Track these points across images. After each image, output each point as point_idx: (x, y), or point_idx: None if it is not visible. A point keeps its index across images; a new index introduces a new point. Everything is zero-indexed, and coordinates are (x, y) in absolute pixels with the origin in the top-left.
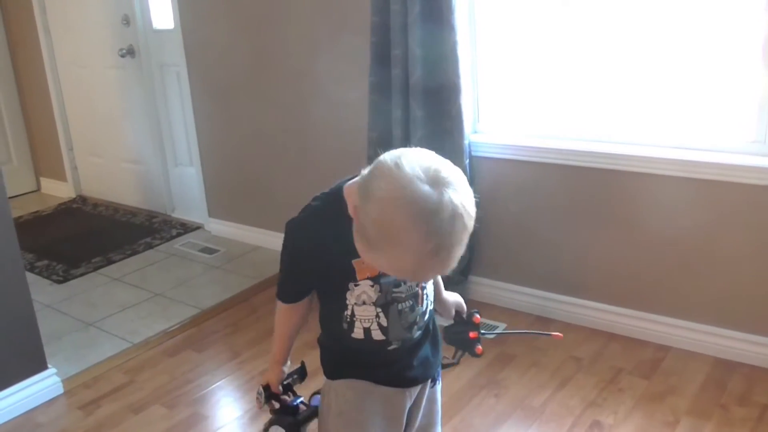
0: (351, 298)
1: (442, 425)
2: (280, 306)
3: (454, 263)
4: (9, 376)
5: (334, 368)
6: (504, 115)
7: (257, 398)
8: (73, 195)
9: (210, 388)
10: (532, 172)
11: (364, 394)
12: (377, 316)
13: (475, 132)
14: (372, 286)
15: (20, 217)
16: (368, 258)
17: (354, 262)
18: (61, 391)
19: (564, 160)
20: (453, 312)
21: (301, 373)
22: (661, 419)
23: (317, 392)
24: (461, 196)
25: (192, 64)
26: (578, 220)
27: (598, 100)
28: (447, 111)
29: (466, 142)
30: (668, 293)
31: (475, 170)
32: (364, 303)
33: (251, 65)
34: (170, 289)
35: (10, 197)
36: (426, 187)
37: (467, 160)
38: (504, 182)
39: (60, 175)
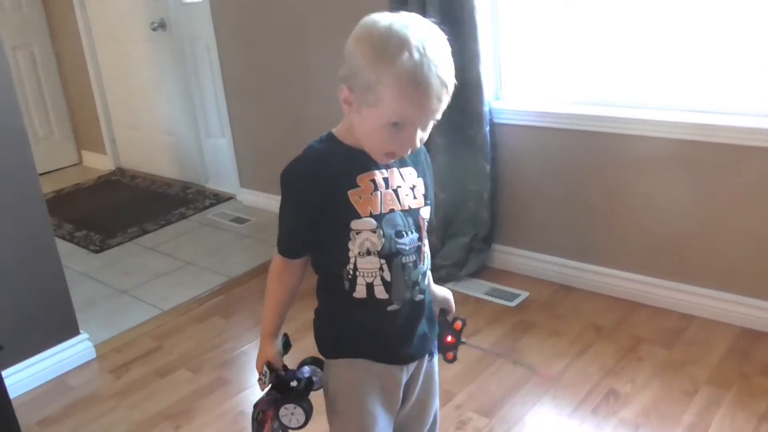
0: (354, 248)
1: (458, 392)
2: (275, 267)
3: (438, 81)
4: (43, 340)
5: (331, 345)
6: (527, 81)
7: (260, 380)
8: (112, 167)
9: (234, 353)
10: (555, 138)
11: (363, 372)
12: (381, 268)
13: (498, 99)
14: (374, 231)
15: (62, 189)
16: (368, 116)
17: (350, 192)
18: (93, 355)
19: (587, 126)
20: (438, 309)
21: (286, 345)
22: (680, 388)
23: (303, 362)
24: (422, 34)
25: (220, 37)
26: (601, 187)
27: (622, 64)
28: (466, 77)
29: (486, 108)
30: (693, 261)
31: (497, 137)
32: (368, 252)
33: (279, 36)
34: (201, 258)
35: (53, 170)
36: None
37: (487, 127)
38: (526, 149)
39: (100, 148)
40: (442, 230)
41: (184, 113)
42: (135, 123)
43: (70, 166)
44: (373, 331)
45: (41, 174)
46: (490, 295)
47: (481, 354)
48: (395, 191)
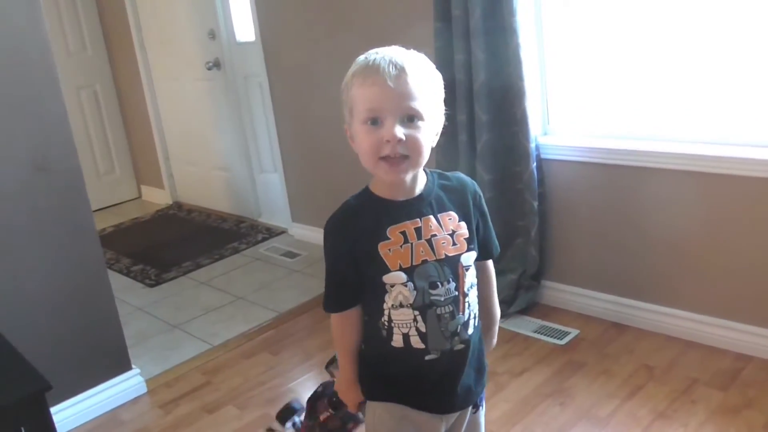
0: (388, 301)
1: None
2: (334, 325)
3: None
4: (95, 375)
5: (371, 387)
6: (575, 116)
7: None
8: (170, 201)
9: (281, 390)
10: (603, 173)
11: (400, 419)
12: (415, 320)
13: (545, 134)
14: (405, 285)
15: (121, 223)
16: (355, 131)
17: (380, 245)
18: (144, 390)
19: (637, 161)
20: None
21: None
22: None
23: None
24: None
25: (272, 75)
26: (653, 223)
27: (672, 98)
28: (512, 114)
29: (532, 145)
30: (750, 299)
31: (544, 173)
32: (401, 305)
33: (329, 74)
34: (252, 293)
35: (114, 205)
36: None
37: (534, 164)
38: (575, 184)
39: (158, 183)
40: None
41: (238, 149)
42: (191, 158)
43: (130, 200)
44: (412, 378)
45: (103, 208)
46: (539, 332)
47: (531, 393)
48: (429, 241)
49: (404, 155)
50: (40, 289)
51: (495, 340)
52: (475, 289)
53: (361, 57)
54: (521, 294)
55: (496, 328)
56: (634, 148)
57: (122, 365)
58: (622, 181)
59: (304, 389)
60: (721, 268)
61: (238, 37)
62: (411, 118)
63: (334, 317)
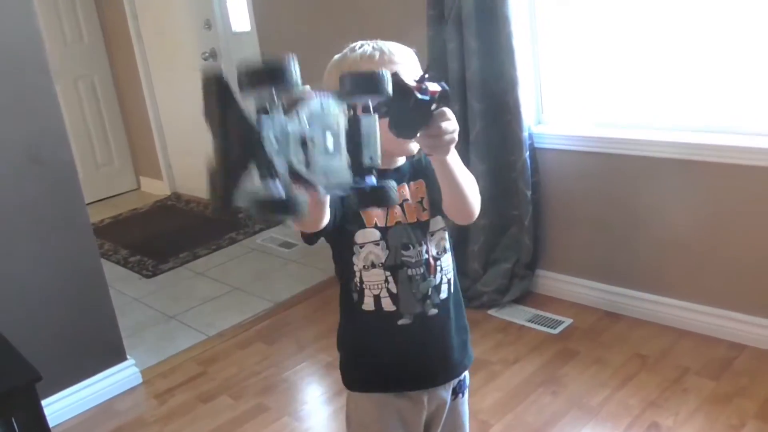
0: (358, 262)
1: (495, 423)
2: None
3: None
4: (90, 366)
5: (352, 376)
6: (569, 105)
7: None
8: (168, 192)
9: (275, 379)
10: (597, 162)
11: (383, 406)
12: (386, 280)
13: (539, 123)
14: (377, 243)
15: (120, 214)
16: None
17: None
18: (139, 380)
19: (631, 150)
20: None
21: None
22: (725, 423)
23: None
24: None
25: None
26: (647, 212)
27: (667, 86)
28: (505, 103)
29: (525, 134)
30: (744, 288)
31: (538, 162)
32: (373, 265)
33: (324, 63)
34: (248, 283)
35: (112, 196)
36: None
37: (528, 153)
38: (569, 173)
39: (157, 174)
40: (483, 256)
41: None
42: (190, 149)
43: (129, 191)
44: (388, 351)
45: (101, 200)
46: (533, 322)
47: (522, 382)
48: (401, 205)
49: None
50: (34, 281)
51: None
52: (448, 255)
53: (342, 53)
54: (515, 283)
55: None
56: (628, 137)
57: (117, 356)
58: (616, 170)
59: (299, 379)
60: (715, 257)
61: (234, 27)
62: None
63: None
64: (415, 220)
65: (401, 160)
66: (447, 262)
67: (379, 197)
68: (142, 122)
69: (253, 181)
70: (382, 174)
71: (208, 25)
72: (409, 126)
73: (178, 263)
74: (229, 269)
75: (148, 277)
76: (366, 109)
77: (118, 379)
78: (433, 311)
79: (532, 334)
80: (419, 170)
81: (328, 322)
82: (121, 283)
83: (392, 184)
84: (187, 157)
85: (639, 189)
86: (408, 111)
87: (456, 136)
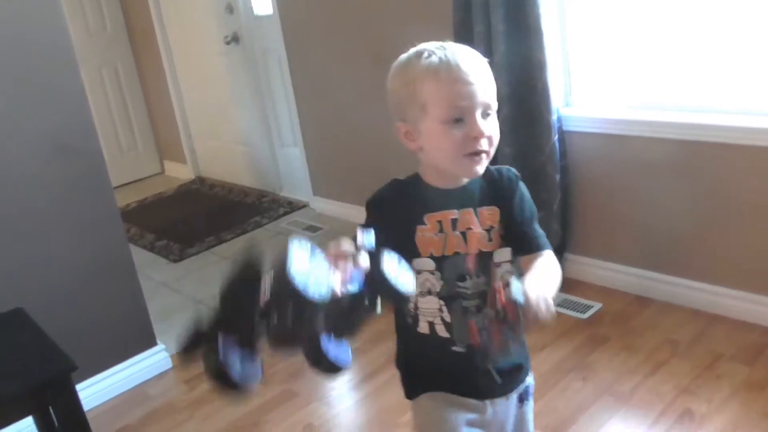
0: (418, 287)
1: None
2: None
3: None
4: (121, 352)
5: (412, 384)
6: (598, 87)
7: None
8: (192, 176)
9: (302, 365)
10: (626, 145)
11: (448, 404)
12: (440, 309)
13: (567, 106)
14: (432, 273)
15: (145, 198)
16: (427, 129)
17: (417, 227)
18: (169, 365)
19: (659, 132)
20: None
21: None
22: (760, 410)
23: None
24: (436, 42)
25: (291, 49)
26: (677, 195)
27: (700, 68)
28: (533, 87)
29: (554, 117)
30: None
31: (567, 145)
32: (428, 293)
33: (347, 46)
34: None
35: (137, 180)
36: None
37: (556, 136)
38: (598, 157)
39: (181, 158)
40: None
41: (259, 123)
42: (213, 133)
43: (153, 175)
44: (443, 369)
45: (126, 184)
46: (561, 306)
47: (552, 368)
48: (463, 233)
49: (485, 150)
50: (64, 269)
51: (537, 292)
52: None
53: (408, 57)
54: None
55: (534, 276)
56: (659, 119)
57: (147, 341)
58: (645, 153)
59: None
60: (748, 240)
61: (256, 11)
62: (488, 111)
63: None
64: (476, 250)
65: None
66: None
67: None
68: (165, 107)
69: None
70: (443, 192)
71: (230, 9)
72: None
73: (204, 247)
74: None
75: (174, 261)
76: None
77: (148, 364)
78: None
79: (560, 319)
80: (497, 193)
81: None
82: (148, 268)
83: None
84: (210, 141)
85: (667, 172)
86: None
87: (551, 309)
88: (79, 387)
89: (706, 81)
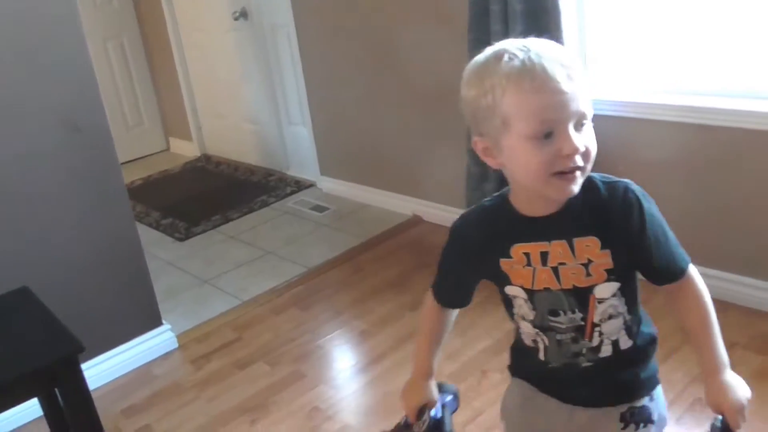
0: (516, 309)
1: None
2: (425, 304)
3: (558, 83)
4: (127, 331)
5: (512, 363)
6: (615, 69)
7: (415, 425)
8: (198, 154)
9: (311, 346)
10: (642, 129)
11: (527, 399)
12: (537, 335)
13: None
14: (526, 301)
15: (150, 175)
16: (510, 146)
17: (501, 261)
18: (175, 345)
19: (677, 117)
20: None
21: (453, 402)
22: None
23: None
24: (519, 40)
25: (300, 25)
26: (693, 180)
27: (718, 51)
28: None
29: None
30: None
31: None
32: (524, 319)
33: (359, 22)
34: (281, 247)
35: (142, 157)
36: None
37: None
38: (612, 140)
39: (186, 135)
40: None
41: (267, 101)
42: (220, 110)
43: (159, 152)
44: (539, 373)
45: (131, 161)
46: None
47: None
48: (554, 269)
49: (579, 166)
50: (71, 247)
51: (724, 396)
52: (617, 319)
53: (485, 59)
54: None
55: (720, 379)
56: (674, 102)
57: (153, 321)
58: (660, 137)
59: (334, 346)
60: (755, 225)
61: None
62: (582, 122)
63: (428, 300)
64: (570, 286)
65: (561, 202)
66: (612, 326)
67: None
68: (171, 83)
69: None
70: (531, 220)
71: None
72: None
73: (210, 226)
74: (261, 233)
75: (180, 240)
76: None
77: (154, 343)
78: (587, 364)
79: None
80: (601, 220)
81: (362, 289)
82: (154, 246)
83: None
84: (217, 119)
85: (681, 157)
86: None
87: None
88: (83, 366)
89: (726, 63)
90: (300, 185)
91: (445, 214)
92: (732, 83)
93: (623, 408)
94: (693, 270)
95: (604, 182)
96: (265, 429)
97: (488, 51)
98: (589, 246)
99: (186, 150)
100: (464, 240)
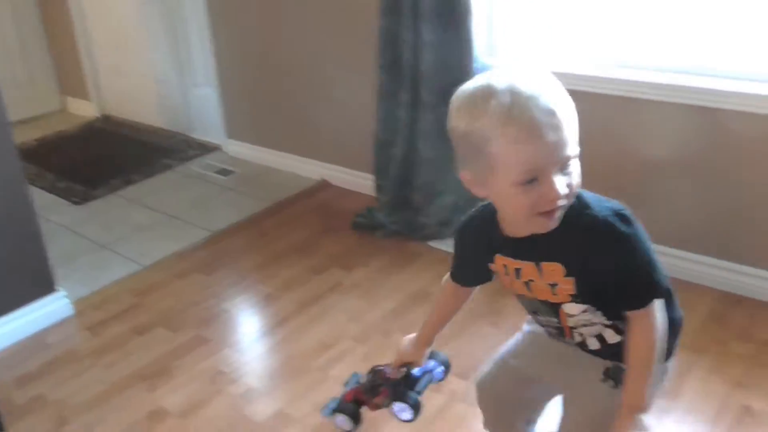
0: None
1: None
2: (442, 285)
3: (542, 128)
4: (18, 298)
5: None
6: (520, 37)
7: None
8: (97, 114)
9: (215, 311)
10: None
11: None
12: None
13: (491, 55)
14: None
15: (44, 137)
16: (496, 185)
17: (489, 264)
18: (71, 312)
19: (579, 86)
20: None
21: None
22: None
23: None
24: (509, 77)
25: None
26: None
27: (625, 21)
28: (457, 35)
29: (477, 65)
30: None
31: None
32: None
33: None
34: (184, 212)
35: (35, 117)
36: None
37: None
38: None
39: (84, 94)
40: (428, 189)
41: (171, 60)
42: (121, 68)
43: (53, 112)
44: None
45: (23, 120)
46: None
47: (461, 315)
48: (526, 283)
49: (561, 206)
50: None
51: (638, 402)
52: (595, 326)
53: (472, 94)
54: (458, 216)
55: (628, 415)
56: (580, 73)
57: (46, 286)
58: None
59: (239, 310)
60: (665, 196)
61: None
62: (568, 164)
63: (444, 280)
64: (545, 299)
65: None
66: (591, 330)
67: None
68: (67, 37)
69: None
70: (510, 240)
71: None
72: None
73: (109, 190)
74: (163, 197)
75: (77, 203)
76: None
77: (48, 310)
78: (579, 339)
79: None
80: (566, 251)
81: (267, 253)
82: (48, 210)
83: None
84: (118, 78)
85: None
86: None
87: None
88: None
89: (635, 33)
90: (205, 148)
91: (353, 179)
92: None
93: (609, 363)
94: (653, 307)
95: (587, 213)
96: (166, 394)
97: (477, 82)
98: (554, 271)
99: (84, 110)
100: (463, 242)
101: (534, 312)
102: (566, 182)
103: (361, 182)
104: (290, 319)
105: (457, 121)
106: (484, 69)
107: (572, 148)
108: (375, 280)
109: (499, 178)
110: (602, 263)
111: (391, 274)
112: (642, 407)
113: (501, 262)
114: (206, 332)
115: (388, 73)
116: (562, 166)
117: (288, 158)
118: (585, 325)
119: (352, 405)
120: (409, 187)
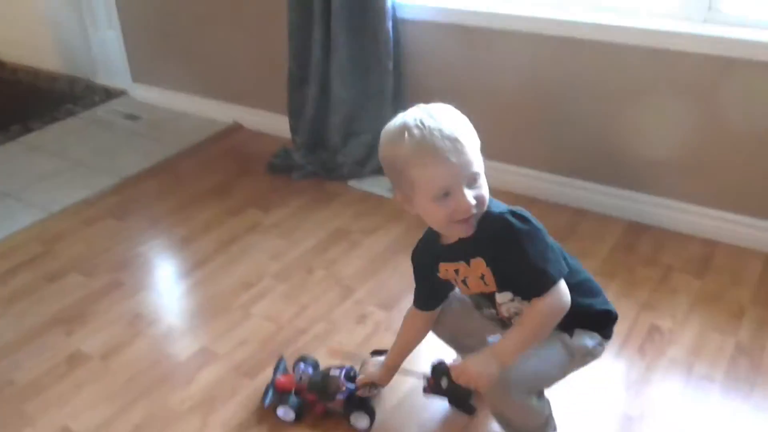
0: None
1: (359, 287)
2: (408, 312)
3: (444, 156)
4: None
5: None
6: None
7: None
8: None
9: (129, 255)
10: (461, 35)
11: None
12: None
13: None
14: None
15: None
16: (420, 203)
17: (438, 273)
18: None
19: (488, 23)
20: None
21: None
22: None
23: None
24: (419, 114)
25: None
26: (506, 86)
27: None
28: None
29: (389, 4)
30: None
31: (401, 33)
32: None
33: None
34: (91, 158)
35: None
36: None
37: (390, 23)
38: (432, 46)
39: None
40: (344, 128)
41: (66, 1)
42: (11, 10)
43: None
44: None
45: None
46: (392, 191)
47: (381, 251)
48: (464, 280)
49: (473, 214)
50: None
51: (475, 362)
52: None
53: (393, 133)
54: (375, 155)
55: (510, 344)
56: (489, 10)
57: None
58: (477, 44)
59: (154, 254)
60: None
61: None
62: (474, 178)
63: (408, 310)
64: (480, 291)
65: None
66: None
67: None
68: None
69: None
70: (446, 247)
71: None
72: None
73: (8, 137)
74: (68, 143)
75: None
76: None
77: None
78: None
79: (391, 205)
80: (482, 247)
81: (180, 197)
82: None
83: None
84: (11, 21)
85: (498, 63)
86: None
87: (486, 380)
88: None
89: None
90: (110, 93)
91: (267, 121)
92: None
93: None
94: (552, 292)
95: (492, 214)
96: (83, 339)
97: (397, 121)
98: (479, 264)
99: None
100: (417, 262)
101: (479, 307)
102: (474, 194)
103: (276, 124)
104: (209, 260)
105: (384, 152)
106: (394, 7)
107: (477, 165)
108: (294, 220)
109: (420, 196)
110: (505, 254)
111: (310, 214)
112: (504, 360)
113: (444, 268)
114: (122, 276)
115: (296, 11)
116: (470, 182)
117: (199, 102)
118: (517, 314)
119: (296, 398)
120: (325, 127)
